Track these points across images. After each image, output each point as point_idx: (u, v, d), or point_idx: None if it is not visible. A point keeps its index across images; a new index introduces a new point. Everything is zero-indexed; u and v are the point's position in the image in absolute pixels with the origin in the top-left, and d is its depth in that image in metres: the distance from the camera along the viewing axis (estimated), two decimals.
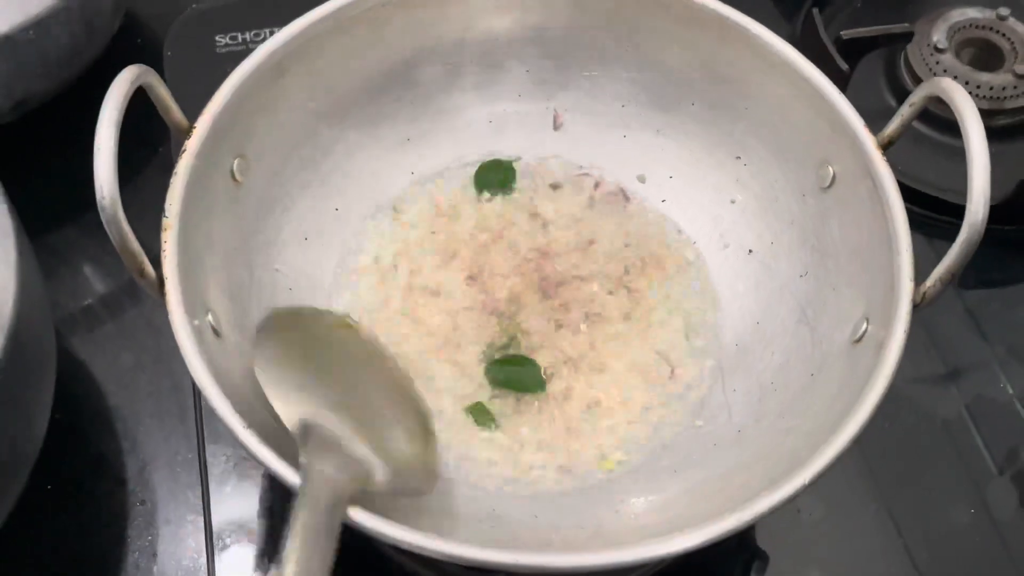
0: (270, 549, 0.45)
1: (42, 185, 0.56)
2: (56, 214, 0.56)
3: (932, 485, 0.49)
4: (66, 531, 0.46)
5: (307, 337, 0.42)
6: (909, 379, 0.51)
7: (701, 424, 0.45)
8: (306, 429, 0.36)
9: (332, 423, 0.37)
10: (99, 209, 0.36)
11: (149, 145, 0.57)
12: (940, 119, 0.58)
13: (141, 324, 0.52)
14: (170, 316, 0.37)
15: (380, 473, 0.36)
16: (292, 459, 0.35)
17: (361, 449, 0.37)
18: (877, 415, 0.37)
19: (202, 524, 0.46)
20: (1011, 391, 0.52)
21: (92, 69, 0.56)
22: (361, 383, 0.42)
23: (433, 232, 0.50)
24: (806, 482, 0.35)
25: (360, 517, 0.33)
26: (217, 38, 0.61)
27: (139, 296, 0.53)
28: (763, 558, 0.46)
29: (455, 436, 0.44)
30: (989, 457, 0.49)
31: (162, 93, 0.40)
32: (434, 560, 0.34)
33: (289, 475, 0.34)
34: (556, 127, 0.51)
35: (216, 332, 0.40)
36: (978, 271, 0.54)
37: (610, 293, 0.48)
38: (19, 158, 0.54)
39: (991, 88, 0.59)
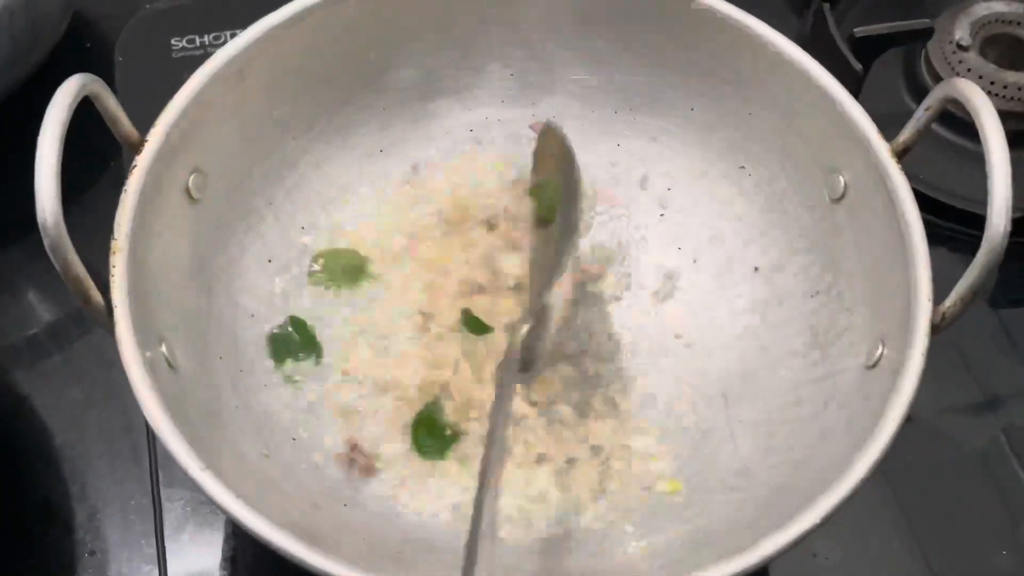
0: None
1: None
2: None
3: (967, 524, 0.49)
4: None
5: None
6: (940, 407, 0.51)
7: (704, 459, 0.45)
8: None
9: None
10: (40, 230, 0.36)
11: (100, 158, 0.57)
12: (963, 123, 0.58)
13: (91, 356, 0.52)
14: (120, 347, 0.37)
15: None
16: (253, 502, 0.35)
17: None
18: (903, 447, 0.37)
19: None
20: None
21: (36, 75, 0.57)
22: None
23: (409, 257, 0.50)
24: (817, 521, 0.36)
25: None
26: (173, 41, 0.61)
27: (88, 325, 0.53)
28: None
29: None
30: None
31: (110, 104, 0.41)
32: None
33: (251, 520, 0.34)
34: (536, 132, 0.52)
35: (170, 364, 0.40)
36: (1012, 288, 0.55)
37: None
38: None
39: (1020, 88, 0.59)
